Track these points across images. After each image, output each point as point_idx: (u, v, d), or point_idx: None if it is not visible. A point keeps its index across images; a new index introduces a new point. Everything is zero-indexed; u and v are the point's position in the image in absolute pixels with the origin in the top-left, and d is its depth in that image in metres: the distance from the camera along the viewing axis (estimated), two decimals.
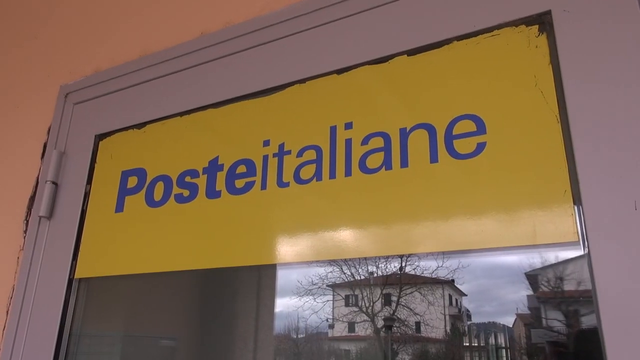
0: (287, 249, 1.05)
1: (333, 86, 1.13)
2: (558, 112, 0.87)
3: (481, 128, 0.93)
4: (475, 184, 0.90)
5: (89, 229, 1.35)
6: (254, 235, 1.09)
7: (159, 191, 1.27)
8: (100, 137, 1.46)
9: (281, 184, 1.09)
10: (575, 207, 0.80)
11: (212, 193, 1.18)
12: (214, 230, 1.15)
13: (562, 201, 0.81)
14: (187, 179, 1.24)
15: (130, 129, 1.42)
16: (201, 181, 1.21)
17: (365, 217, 0.98)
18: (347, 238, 0.99)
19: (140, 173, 1.32)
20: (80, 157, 1.45)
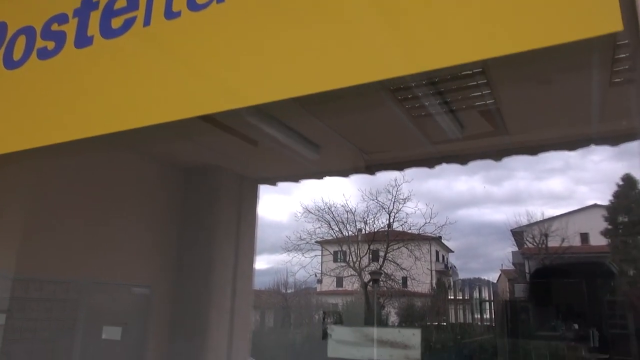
0: (175, 101, 0.72)
1: None
2: None
3: None
4: None
5: None
6: (133, 89, 0.76)
7: (19, 48, 0.92)
8: None
9: (170, 14, 0.75)
10: None
11: (82, 41, 0.84)
12: (85, 90, 0.81)
13: None
14: (54, 26, 0.89)
15: None
16: (70, 27, 0.86)
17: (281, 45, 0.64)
18: (254, 74, 0.65)
19: (0, 28, 0.97)
20: None
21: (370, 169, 2.06)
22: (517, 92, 1.39)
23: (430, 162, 1.96)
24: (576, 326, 6.01)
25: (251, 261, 2.30)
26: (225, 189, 2.14)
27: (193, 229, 2.10)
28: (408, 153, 1.91)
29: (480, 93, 1.38)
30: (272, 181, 2.30)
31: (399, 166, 2.05)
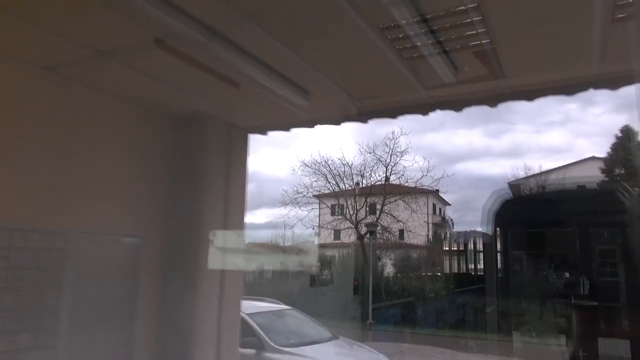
0: None
1: None
2: None
3: None
4: None
5: None
6: None
7: None
8: None
9: None
10: None
11: None
12: None
13: None
14: None
15: None
16: None
17: None
18: None
19: None
20: None
21: (362, 117, 2.01)
22: (514, 30, 1.32)
23: (424, 108, 1.89)
24: (567, 275, 6.12)
25: (242, 211, 2.27)
26: (213, 137, 2.09)
27: (183, 178, 2.07)
28: (400, 98, 1.84)
29: (475, 32, 1.31)
30: (262, 130, 2.24)
31: (392, 113, 1.99)
